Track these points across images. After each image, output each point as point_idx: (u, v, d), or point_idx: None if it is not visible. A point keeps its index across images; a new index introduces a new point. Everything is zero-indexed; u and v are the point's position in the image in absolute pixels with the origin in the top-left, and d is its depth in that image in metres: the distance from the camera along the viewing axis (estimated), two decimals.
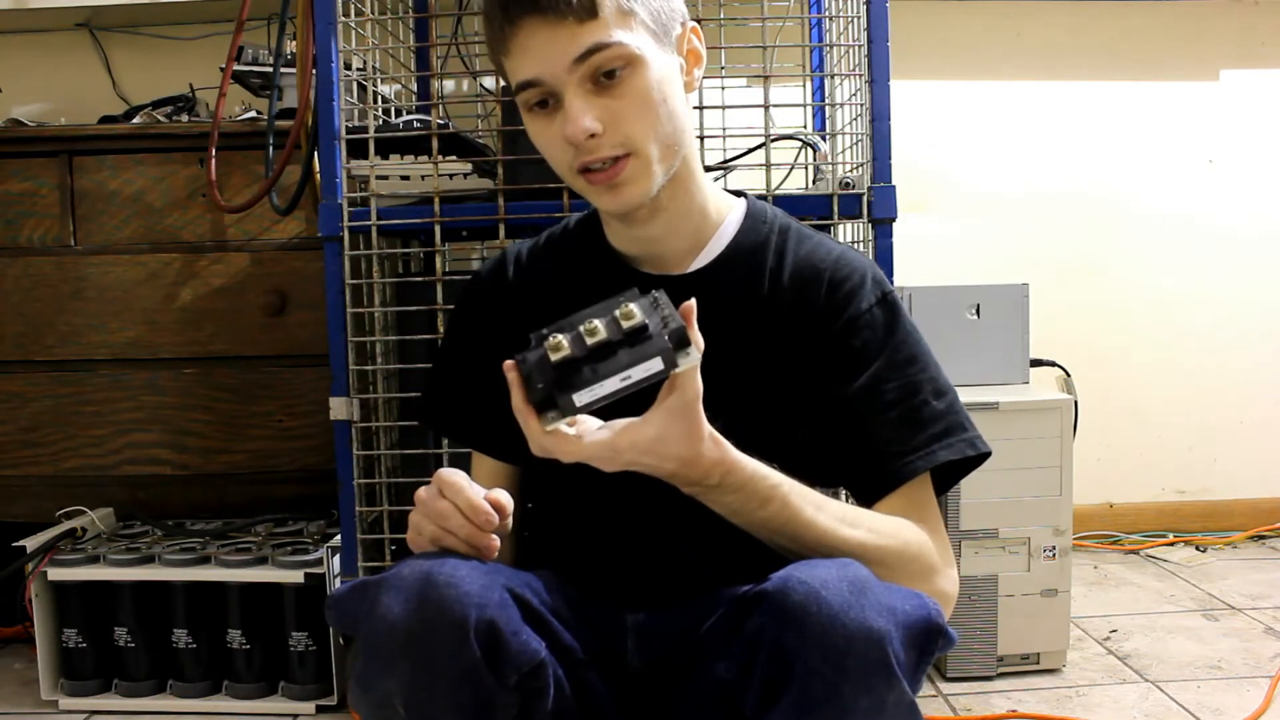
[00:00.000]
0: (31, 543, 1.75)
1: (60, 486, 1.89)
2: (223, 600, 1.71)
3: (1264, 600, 2.14)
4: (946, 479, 1.00)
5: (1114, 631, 1.99)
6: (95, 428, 1.88)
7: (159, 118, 2.00)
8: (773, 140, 1.58)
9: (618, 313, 0.78)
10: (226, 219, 1.86)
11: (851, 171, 1.60)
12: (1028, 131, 2.57)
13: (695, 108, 1.45)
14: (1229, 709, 1.64)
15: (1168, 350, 2.62)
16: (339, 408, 1.57)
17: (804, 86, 2.01)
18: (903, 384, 0.97)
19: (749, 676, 0.79)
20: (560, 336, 0.79)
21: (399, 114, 1.91)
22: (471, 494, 0.86)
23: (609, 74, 0.90)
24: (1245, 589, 2.21)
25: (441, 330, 1.55)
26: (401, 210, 1.58)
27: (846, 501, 0.98)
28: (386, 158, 1.59)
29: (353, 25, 1.60)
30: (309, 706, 1.71)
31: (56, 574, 1.71)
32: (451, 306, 1.51)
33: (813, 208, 1.54)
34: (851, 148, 1.63)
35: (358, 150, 1.58)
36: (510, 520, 0.88)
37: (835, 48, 1.69)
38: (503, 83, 1.62)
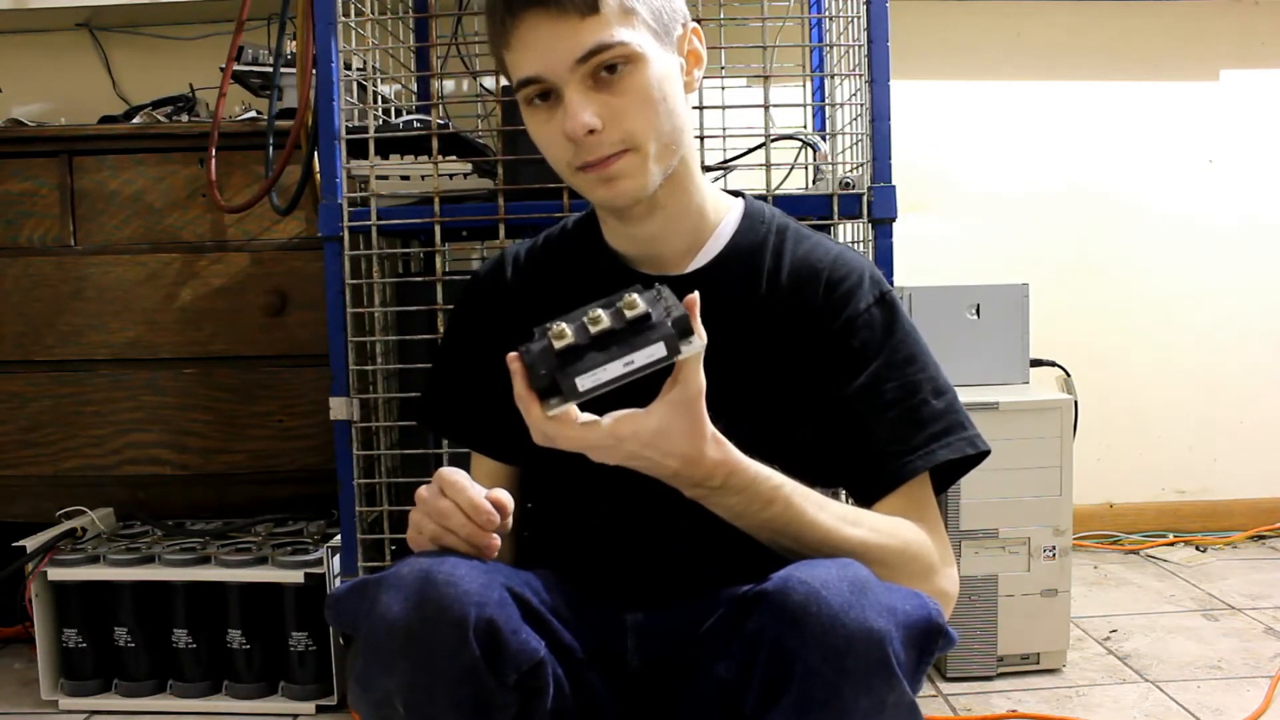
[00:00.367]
0: (31, 543, 1.75)
1: (60, 486, 1.89)
2: (223, 600, 1.71)
3: (1264, 600, 2.13)
4: (946, 478, 1.00)
5: (1114, 631, 1.99)
6: (95, 428, 1.88)
7: (159, 118, 2.00)
8: (773, 140, 1.58)
9: (621, 303, 0.79)
10: (226, 219, 1.86)
11: (851, 171, 1.60)
12: (1028, 131, 2.57)
13: (695, 108, 1.45)
14: (1229, 709, 1.64)
15: (1168, 350, 2.62)
16: (339, 408, 1.57)
17: (804, 86, 2.01)
18: (902, 383, 0.97)
19: (749, 676, 0.79)
20: (564, 325, 0.79)
21: (399, 114, 1.91)
22: (473, 493, 0.86)
23: (610, 69, 0.90)
24: (1245, 589, 2.21)
25: (441, 330, 1.55)
26: (401, 210, 1.58)
27: (846, 502, 0.98)
28: (386, 158, 1.59)
29: (353, 25, 1.60)
30: (309, 706, 1.71)
31: (56, 574, 1.71)
32: (451, 307, 1.52)
33: (813, 208, 1.54)
34: (851, 148, 1.63)
35: (358, 150, 1.58)
36: (511, 519, 0.88)
37: (835, 48, 1.69)
38: (503, 81, 1.63)
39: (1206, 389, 2.63)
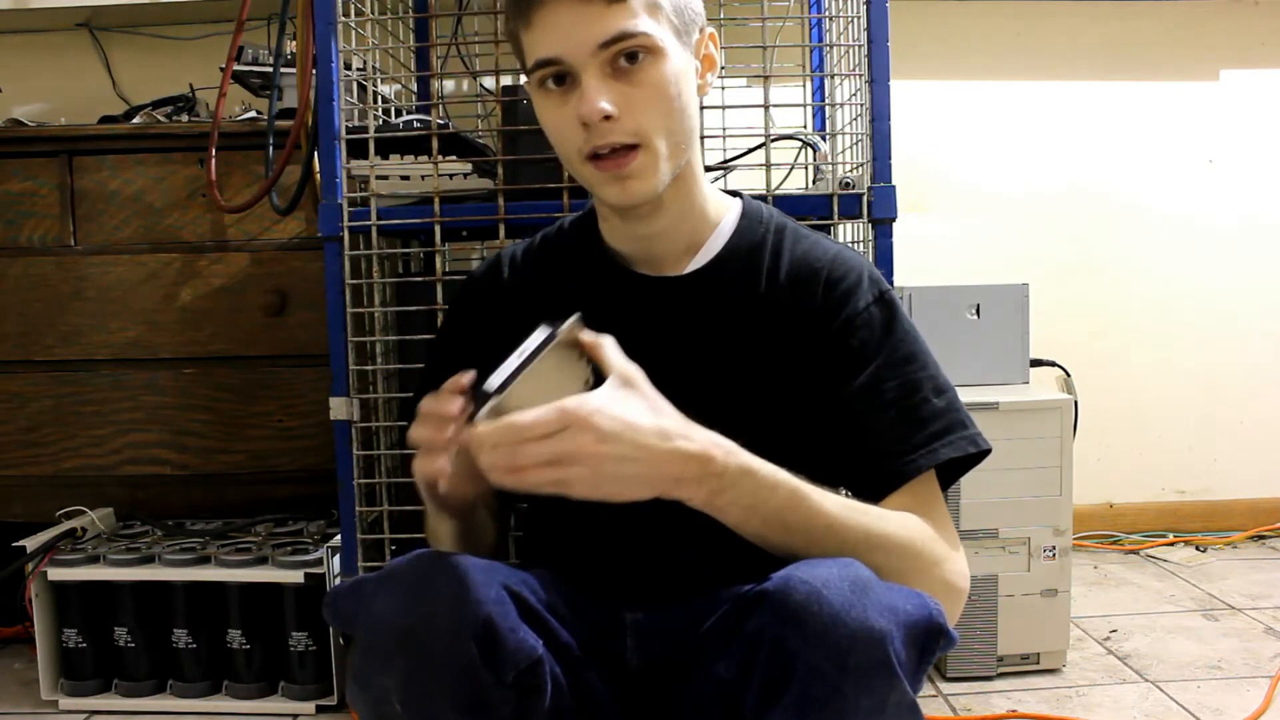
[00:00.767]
0: (31, 543, 1.75)
1: (60, 486, 1.89)
2: (223, 600, 1.71)
3: (1264, 600, 2.13)
4: (948, 476, 1.00)
5: (1114, 631, 1.99)
6: (95, 428, 1.88)
7: (159, 118, 2.00)
8: (773, 140, 1.58)
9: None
10: (226, 219, 1.86)
11: (851, 171, 1.60)
12: (1028, 131, 2.57)
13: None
14: (1229, 709, 1.64)
15: (1168, 350, 2.62)
16: (339, 408, 1.57)
17: (804, 86, 2.01)
18: (902, 382, 0.97)
19: (749, 676, 0.79)
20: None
21: (399, 114, 1.91)
22: (431, 404, 0.86)
23: (630, 58, 0.91)
24: (1245, 589, 2.21)
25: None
26: (401, 210, 1.58)
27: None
28: (386, 158, 1.59)
29: (353, 25, 1.60)
30: (309, 706, 1.71)
31: (56, 574, 1.71)
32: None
33: (813, 208, 1.54)
34: (851, 148, 1.63)
35: (358, 150, 1.58)
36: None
37: (835, 48, 1.69)
38: (504, 80, 1.63)
39: (1206, 389, 2.63)
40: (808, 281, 1.00)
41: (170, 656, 1.73)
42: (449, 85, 2.34)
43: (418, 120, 1.66)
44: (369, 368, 1.61)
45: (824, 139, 1.80)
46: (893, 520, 0.92)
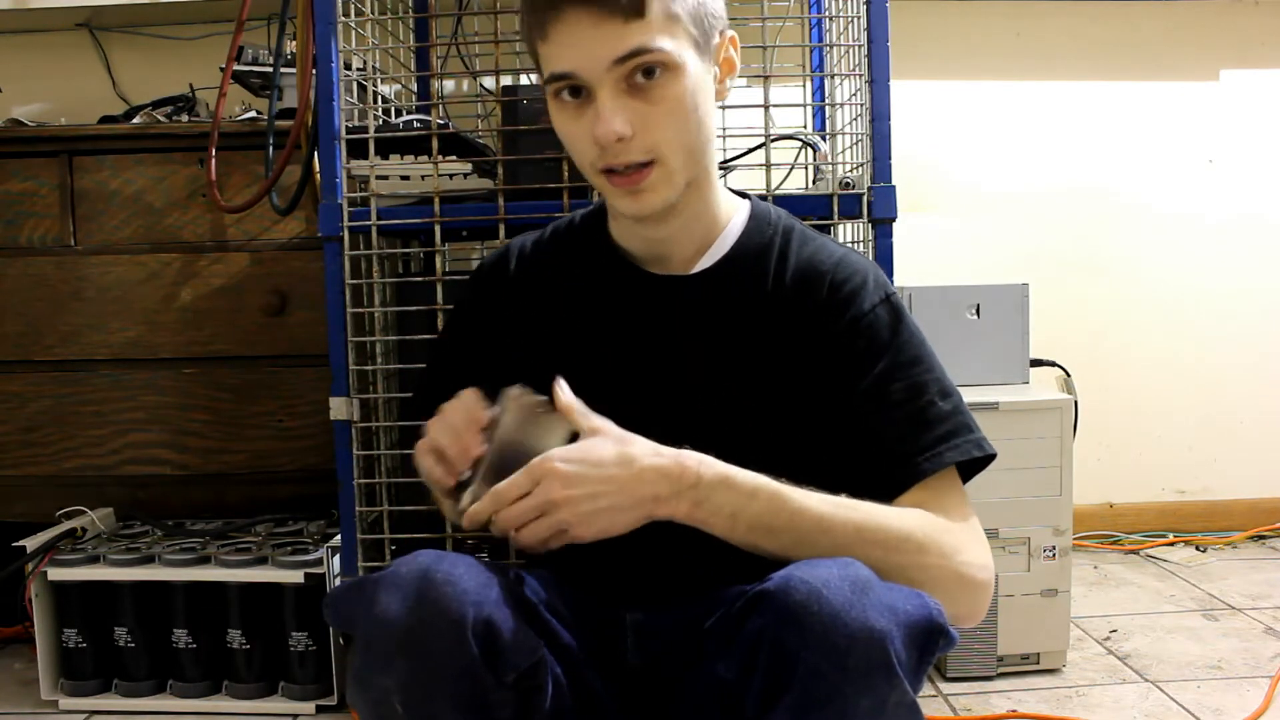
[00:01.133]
0: (31, 543, 1.75)
1: (60, 486, 1.89)
2: (223, 600, 1.71)
3: (1264, 600, 2.13)
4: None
5: (1114, 631, 1.99)
6: (95, 428, 1.88)
7: (159, 118, 2.00)
8: (773, 140, 1.58)
9: None
10: (226, 219, 1.86)
11: (851, 171, 1.60)
12: (1028, 131, 2.57)
13: None
14: (1229, 709, 1.64)
15: (1168, 350, 2.62)
16: (339, 408, 1.57)
17: (804, 86, 2.01)
18: (908, 385, 0.97)
19: (750, 676, 0.79)
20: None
21: (399, 114, 1.91)
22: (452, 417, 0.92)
23: (647, 74, 0.90)
24: (1245, 589, 2.21)
25: (442, 330, 1.55)
26: (401, 210, 1.58)
27: None
28: (386, 158, 1.59)
29: (353, 25, 1.60)
30: (309, 706, 1.71)
31: (56, 574, 1.71)
32: (451, 307, 1.53)
33: (813, 208, 1.54)
34: (851, 148, 1.63)
35: (358, 150, 1.58)
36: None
37: (835, 48, 1.69)
38: (504, 80, 1.63)
39: (1206, 389, 2.62)
40: (813, 283, 1.00)
41: (170, 656, 1.73)
42: (449, 85, 2.34)
43: (418, 120, 1.66)
44: (369, 368, 1.61)
45: (824, 139, 1.80)
46: (890, 514, 0.91)
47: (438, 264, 1.57)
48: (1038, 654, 1.81)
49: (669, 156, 0.93)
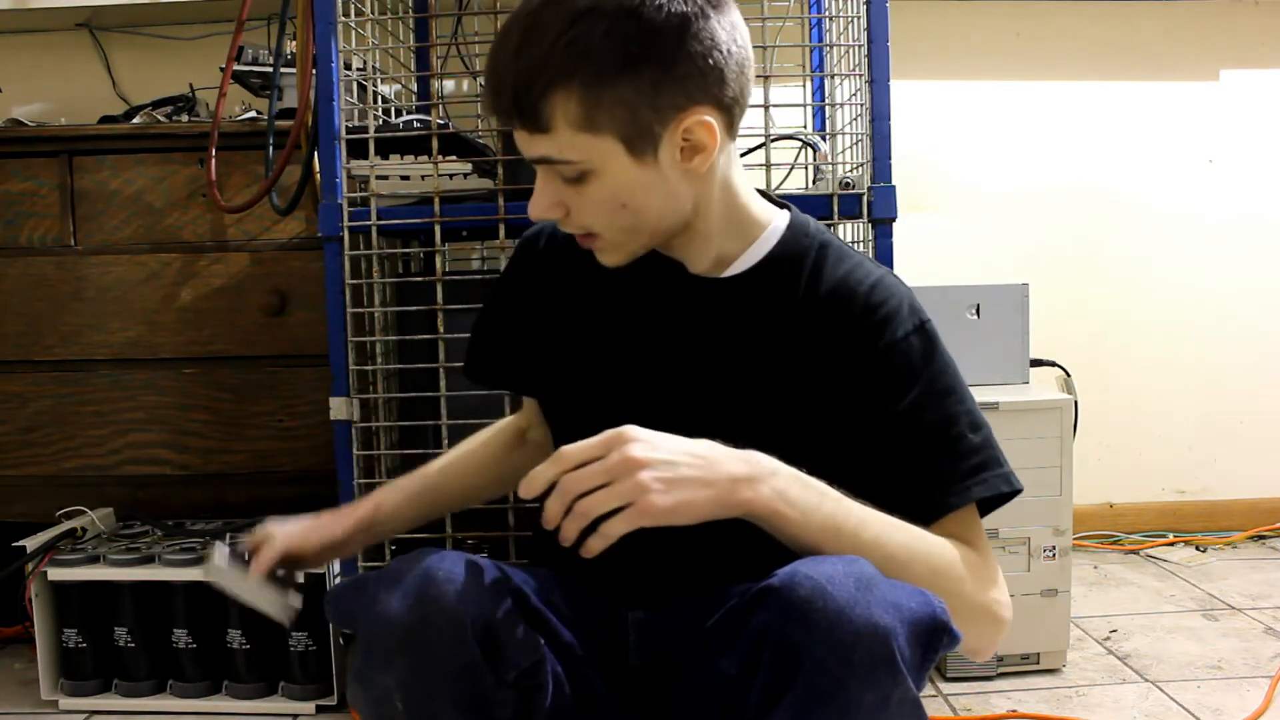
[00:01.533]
0: (31, 543, 1.75)
1: (60, 486, 1.89)
2: (223, 600, 1.70)
3: (1264, 600, 2.13)
4: (979, 511, 0.99)
5: (1114, 631, 1.99)
6: (95, 428, 1.88)
7: (159, 118, 2.00)
8: (773, 140, 1.58)
9: None
10: (226, 219, 1.86)
11: (851, 171, 1.60)
12: (1028, 131, 2.57)
13: None
14: (1229, 709, 1.64)
15: (1168, 350, 2.62)
16: (339, 408, 1.57)
17: (804, 86, 2.01)
18: (939, 416, 0.96)
19: (754, 672, 0.79)
20: None
21: (399, 114, 1.91)
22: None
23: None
24: (1245, 589, 2.21)
25: (442, 330, 1.55)
26: (401, 210, 1.58)
27: None
28: (386, 158, 1.59)
29: (353, 25, 1.60)
30: (309, 706, 1.71)
31: (56, 574, 1.71)
32: (452, 306, 1.53)
33: (813, 208, 1.53)
34: (851, 148, 1.63)
35: (358, 150, 1.58)
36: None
37: (835, 48, 1.69)
38: None
39: (1206, 389, 2.62)
40: (846, 302, 0.98)
41: (170, 656, 1.73)
42: (449, 85, 2.34)
43: (418, 120, 1.66)
44: (369, 368, 1.61)
45: (824, 139, 1.80)
46: (934, 539, 0.92)
47: (438, 264, 1.57)
48: (1038, 654, 1.81)
49: (604, 234, 0.94)
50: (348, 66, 1.64)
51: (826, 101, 1.89)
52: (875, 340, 0.96)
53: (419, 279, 1.61)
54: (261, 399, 1.87)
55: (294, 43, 1.74)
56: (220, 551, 1.06)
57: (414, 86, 2.15)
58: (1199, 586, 2.24)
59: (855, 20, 1.57)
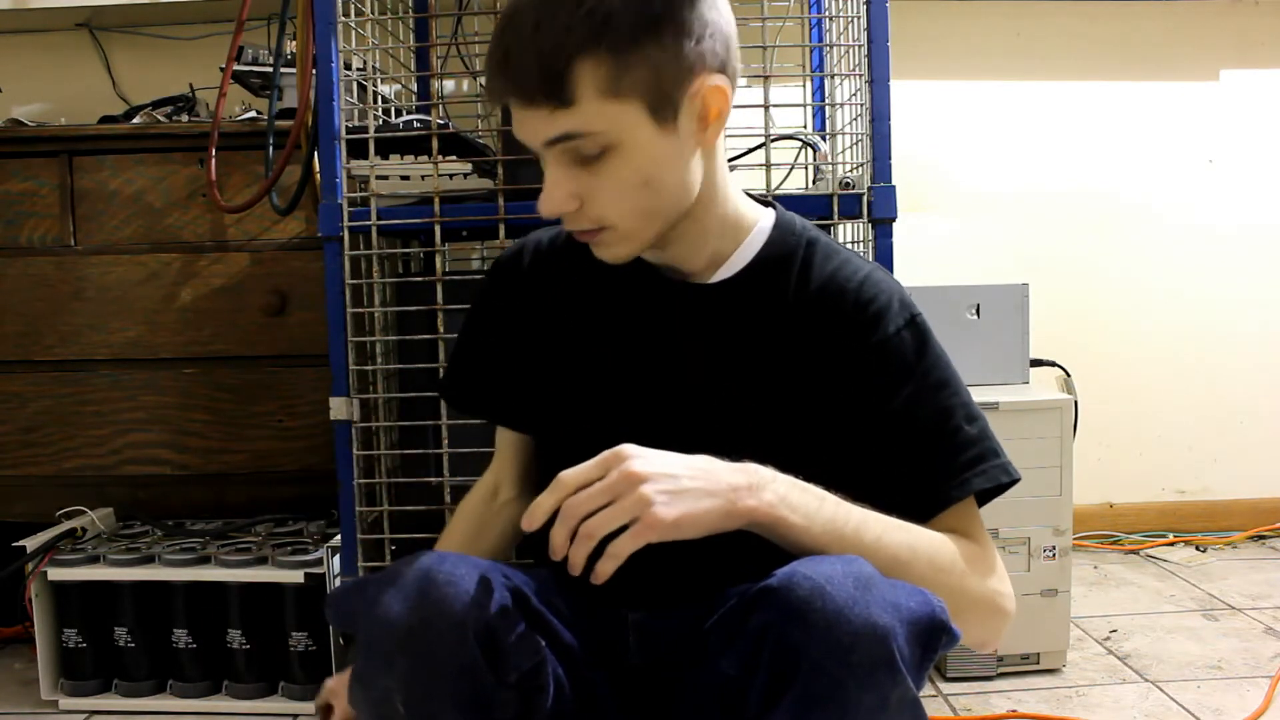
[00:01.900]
0: (31, 543, 1.75)
1: (60, 486, 1.89)
2: (223, 600, 1.71)
3: (1264, 600, 2.14)
4: (977, 503, 0.99)
5: (1114, 631, 1.99)
6: (95, 428, 1.88)
7: (159, 118, 2.00)
8: (773, 140, 1.58)
9: None
10: (226, 219, 1.86)
11: (851, 171, 1.60)
12: (1028, 131, 2.57)
13: None
14: (1229, 709, 1.64)
15: (1168, 350, 2.62)
16: (339, 408, 1.57)
17: (804, 86, 2.01)
18: (934, 410, 0.96)
19: (753, 672, 0.79)
20: None
21: (399, 114, 1.91)
22: None
23: (588, 150, 0.88)
24: (1245, 589, 2.21)
25: (442, 330, 1.55)
26: (401, 210, 1.58)
27: None
28: (386, 158, 1.59)
29: (353, 25, 1.60)
30: (309, 707, 1.71)
31: (56, 574, 1.71)
32: (452, 306, 1.53)
33: (813, 208, 1.54)
34: (851, 148, 1.63)
35: (358, 150, 1.58)
36: None
37: (835, 48, 1.69)
38: None
39: (1206, 389, 2.63)
40: (837, 299, 0.98)
41: (170, 656, 1.73)
42: (449, 85, 2.34)
43: (418, 120, 1.66)
44: (369, 368, 1.61)
45: (824, 139, 1.80)
46: (935, 536, 0.92)
47: (438, 264, 1.57)
48: (1038, 654, 1.81)
49: (619, 223, 0.91)
50: (348, 66, 1.64)
51: (826, 101, 1.89)
52: (868, 337, 0.97)
53: (419, 279, 1.61)
54: (261, 399, 1.87)
55: (294, 43, 1.74)
56: None
57: (414, 86, 2.15)
58: (1199, 586, 2.24)
59: (855, 20, 1.57)
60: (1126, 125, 2.58)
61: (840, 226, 1.60)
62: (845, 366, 0.97)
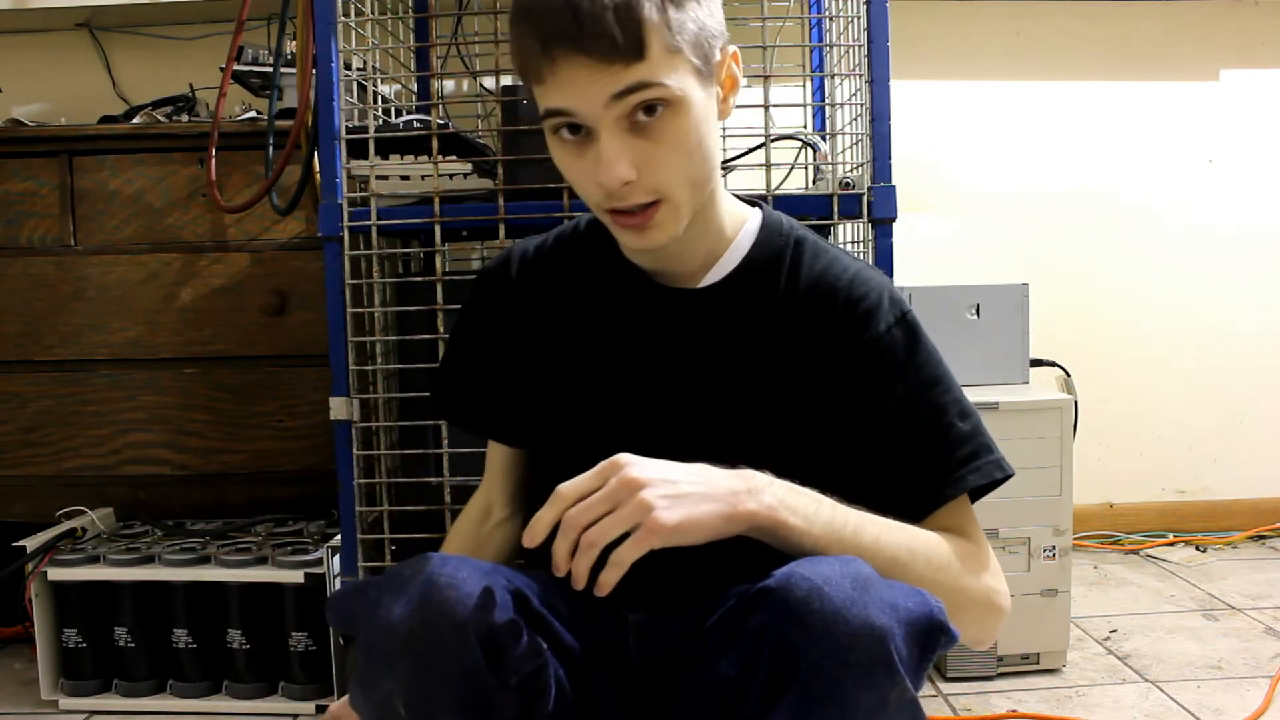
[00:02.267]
0: (31, 543, 1.75)
1: (60, 486, 1.89)
2: (223, 600, 1.71)
3: (1264, 600, 2.14)
4: (971, 499, 0.99)
5: (1114, 631, 1.99)
6: (95, 428, 1.88)
7: (159, 118, 2.00)
8: (773, 140, 1.58)
9: None
10: (226, 219, 1.86)
11: (851, 171, 1.60)
12: (1028, 131, 2.57)
13: None
14: (1229, 709, 1.64)
15: (1168, 350, 2.62)
16: (339, 408, 1.57)
17: (804, 86, 2.01)
18: (927, 407, 0.96)
19: (752, 673, 0.79)
20: None
21: (399, 114, 1.91)
22: None
23: (649, 110, 0.86)
24: (1245, 589, 2.21)
25: (442, 330, 1.55)
26: (401, 210, 1.58)
27: None
28: (386, 158, 1.59)
29: (353, 25, 1.60)
30: (309, 706, 1.71)
31: (56, 574, 1.71)
32: (452, 306, 1.53)
33: (813, 208, 1.54)
34: (851, 148, 1.63)
35: (358, 150, 1.58)
36: None
37: (835, 48, 1.69)
38: (504, 81, 1.63)
39: (1206, 389, 2.63)
40: (827, 298, 0.98)
41: (170, 656, 1.73)
42: (449, 85, 2.34)
43: (418, 120, 1.66)
44: (369, 368, 1.61)
45: (824, 139, 1.80)
46: (929, 536, 0.92)
47: (438, 264, 1.57)
48: (1038, 654, 1.81)
49: (674, 193, 0.90)
50: (348, 66, 1.64)
51: (826, 101, 1.89)
52: (859, 335, 0.97)
53: (419, 279, 1.61)
54: (261, 399, 1.87)
55: (294, 43, 1.74)
56: None
57: (414, 86, 2.15)
58: (1199, 586, 2.24)
59: (855, 20, 1.57)
60: (1126, 125, 2.58)
61: (840, 226, 1.61)
62: (837, 365, 0.97)
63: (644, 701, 0.97)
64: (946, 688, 1.76)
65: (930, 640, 0.79)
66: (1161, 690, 1.72)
